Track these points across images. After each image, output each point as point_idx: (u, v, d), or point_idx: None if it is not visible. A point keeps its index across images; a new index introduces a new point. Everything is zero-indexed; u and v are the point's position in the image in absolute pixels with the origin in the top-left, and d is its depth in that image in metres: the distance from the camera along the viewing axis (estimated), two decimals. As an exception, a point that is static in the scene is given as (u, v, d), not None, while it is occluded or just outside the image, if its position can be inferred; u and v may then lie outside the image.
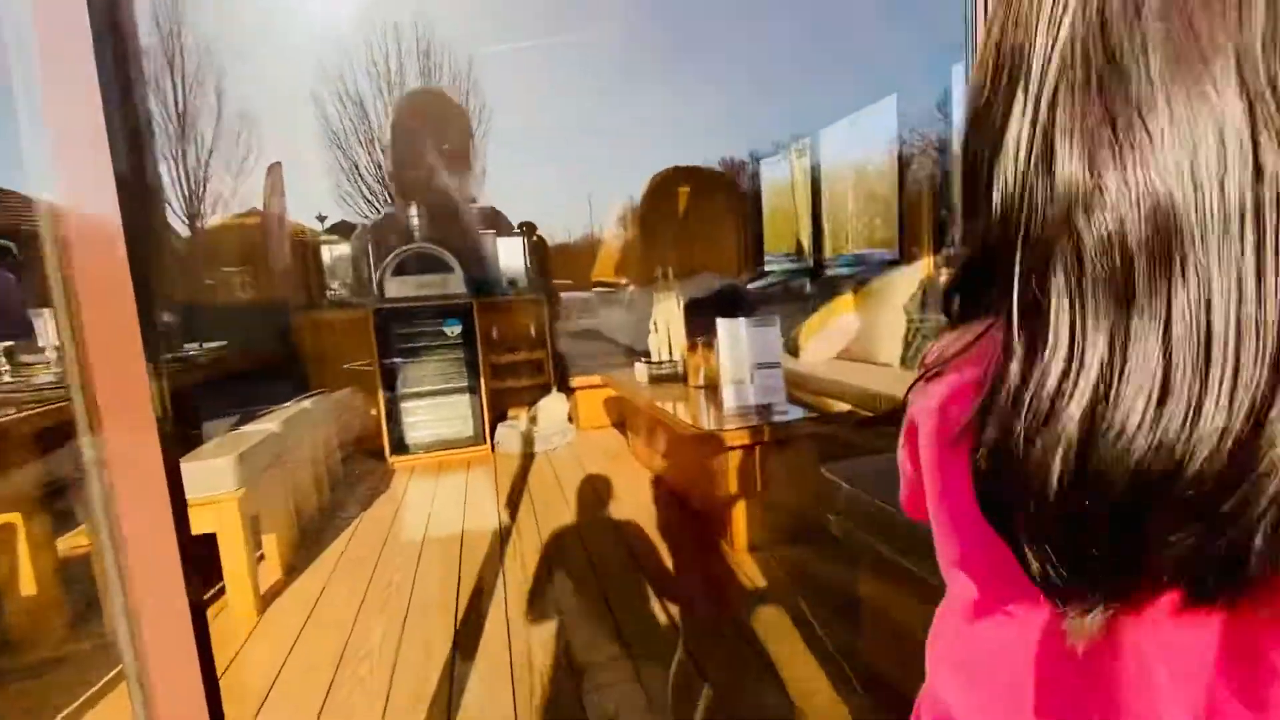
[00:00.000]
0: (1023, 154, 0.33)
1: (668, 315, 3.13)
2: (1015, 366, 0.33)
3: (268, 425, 2.43)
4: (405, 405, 3.82)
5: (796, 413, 2.26)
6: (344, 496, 3.24)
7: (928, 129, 3.03)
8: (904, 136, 3.17)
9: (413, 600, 2.12)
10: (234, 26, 7.66)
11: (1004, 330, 0.34)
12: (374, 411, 3.80)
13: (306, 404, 3.02)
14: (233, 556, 2.02)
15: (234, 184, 8.04)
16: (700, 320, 4.06)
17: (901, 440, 0.51)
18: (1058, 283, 0.31)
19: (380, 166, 8.24)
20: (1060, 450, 0.30)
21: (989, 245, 0.35)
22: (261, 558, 2.36)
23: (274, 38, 7.29)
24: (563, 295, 4.83)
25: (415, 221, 3.88)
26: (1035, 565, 0.32)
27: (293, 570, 2.38)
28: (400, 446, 3.78)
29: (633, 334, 4.58)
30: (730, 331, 2.25)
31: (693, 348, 2.85)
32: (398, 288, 3.85)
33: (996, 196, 0.34)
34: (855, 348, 3.34)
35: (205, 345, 3.27)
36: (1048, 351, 0.31)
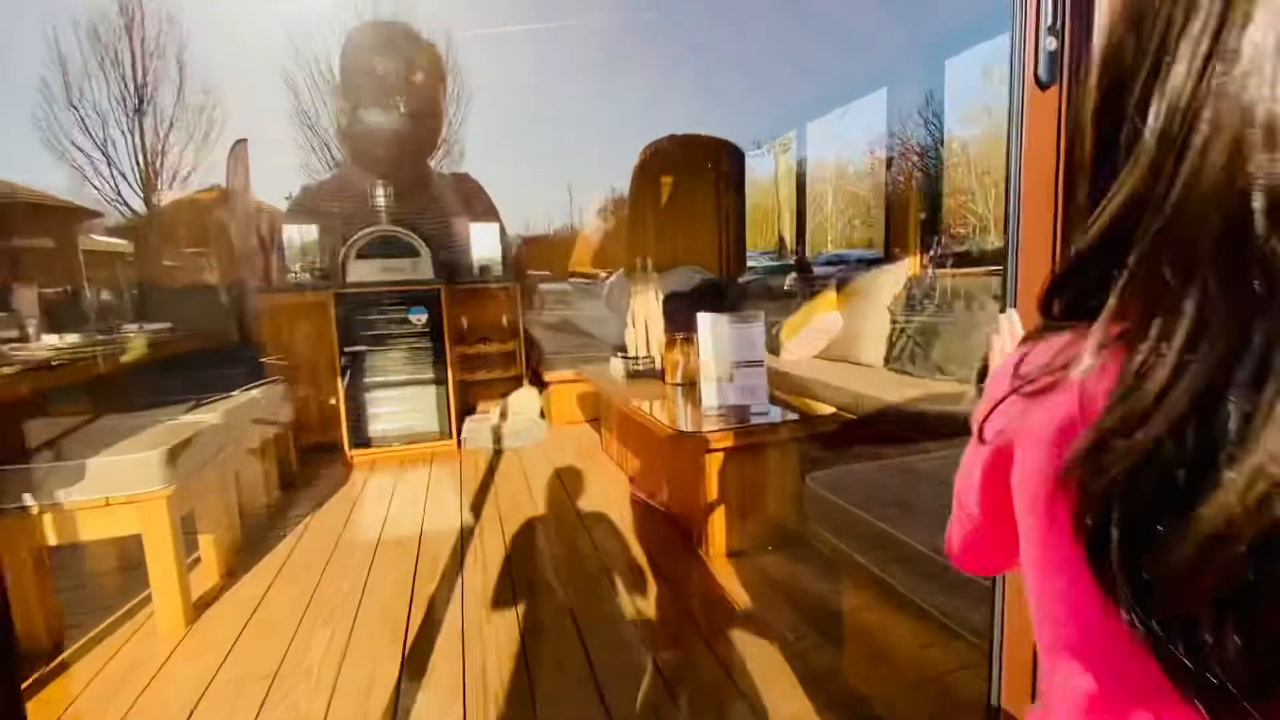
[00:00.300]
0: (1189, 85, 0.25)
1: (646, 309, 2.99)
2: (1177, 383, 0.24)
3: (207, 416, 2.23)
4: (366, 396, 3.62)
5: (778, 413, 2.14)
6: (296, 493, 3.04)
7: (918, 123, 2.93)
8: (893, 131, 3.07)
9: (361, 610, 1.95)
10: (197, -6, 7.28)
11: (1138, 331, 0.26)
12: (333, 401, 3.60)
13: (256, 393, 2.81)
14: (159, 561, 1.83)
15: (194, 159, 7.67)
16: (679, 315, 3.93)
17: (977, 471, 0.39)
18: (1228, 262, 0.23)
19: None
20: (1244, 502, 0.22)
21: (1121, 221, 0.28)
22: (197, 561, 2.17)
23: (242, 8, 6.95)
24: (540, 285, 4.66)
25: (381, 200, 3.66)
26: (1196, 654, 0.24)
27: (232, 575, 2.19)
28: (360, 439, 3.58)
29: (609, 327, 4.43)
30: (712, 328, 2.12)
31: (671, 344, 2.71)
32: (361, 271, 3.64)
33: (1148, 144, 0.26)
34: (838, 347, 3.24)
35: (147, 327, 3.03)
36: (1223, 362, 0.23)
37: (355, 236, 3.64)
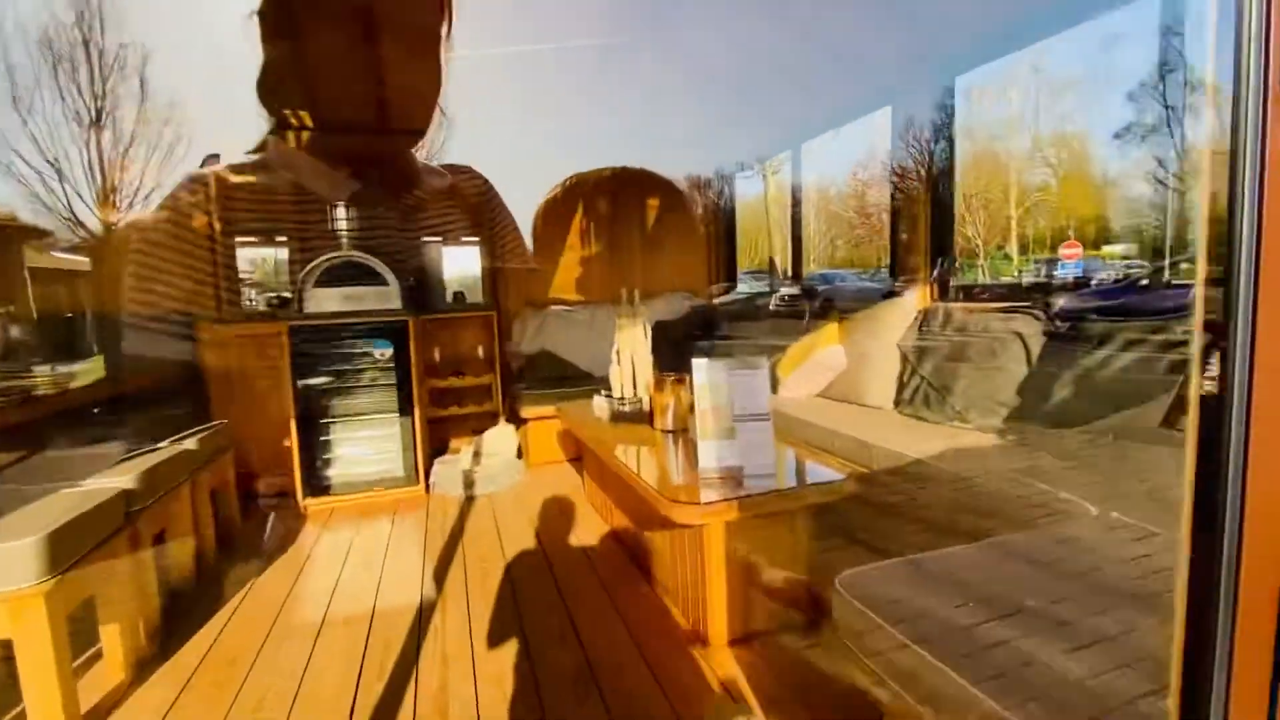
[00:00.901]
0: None
1: (632, 344, 2.70)
2: None
3: (113, 481, 1.89)
4: (324, 438, 3.28)
5: (787, 477, 1.85)
6: (237, 555, 2.69)
7: (921, 142, 2.71)
8: (899, 151, 2.84)
9: (294, 715, 1.61)
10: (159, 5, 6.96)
11: None
12: (287, 444, 3.25)
13: (191, 442, 2.47)
14: (35, 671, 1.48)
15: (159, 175, 7.30)
16: (667, 346, 3.64)
17: None
18: None
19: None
20: None
21: None
22: (98, 656, 1.81)
23: (206, 18, 6.64)
24: (524, 312, 4.35)
25: (342, 222, 3.36)
26: None
27: (141, 671, 1.84)
28: (316, 487, 3.23)
29: (591, 358, 4.14)
30: (709, 377, 1.84)
31: (660, 385, 2.42)
32: (320, 300, 3.32)
33: None
34: (841, 385, 2.98)
35: (62, 369, 2.67)
36: None
37: (314, 263, 3.33)
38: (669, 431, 2.38)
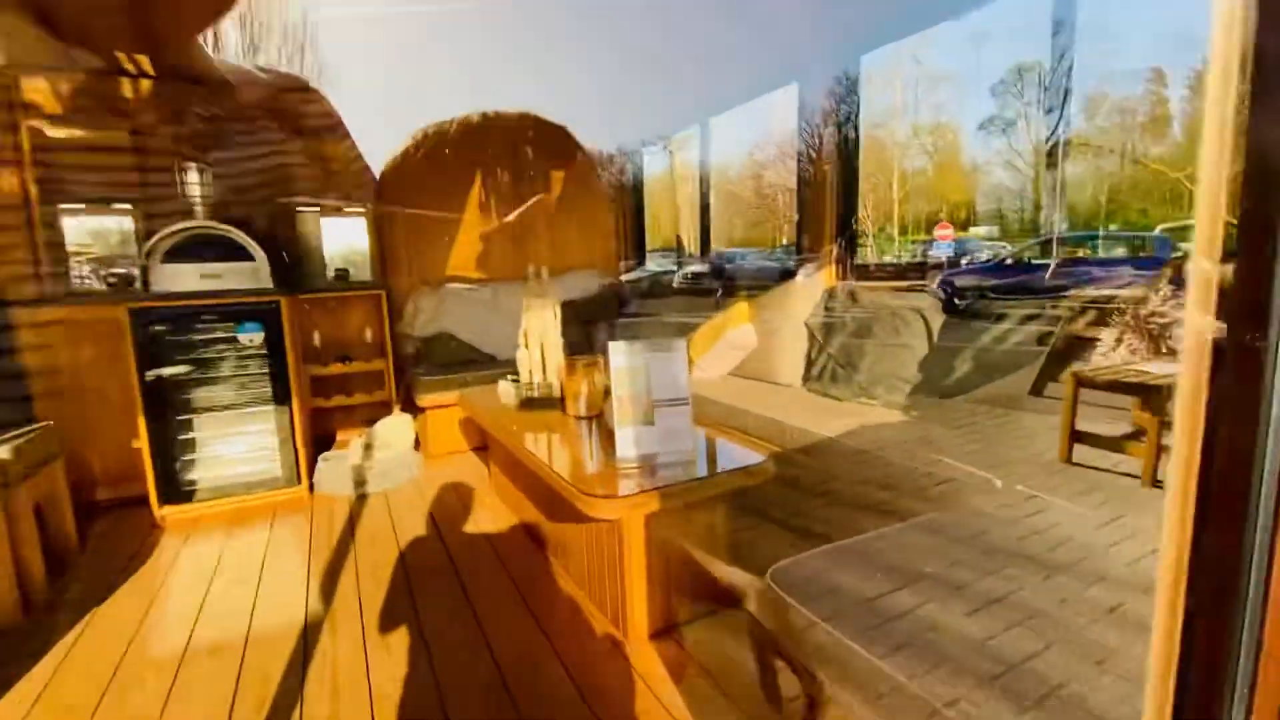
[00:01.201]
0: None
1: (541, 326, 2.53)
2: None
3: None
4: (183, 437, 2.86)
5: (708, 460, 1.78)
6: (73, 580, 2.28)
7: (828, 120, 2.71)
8: (806, 128, 2.84)
9: (141, 783, 1.36)
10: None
11: None
12: (136, 444, 2.80)
13: (2, 452, 2.04)
14: None
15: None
16: (577, 329, 3.49)
17: None
18: None
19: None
20: None
21: None
22: None
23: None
24: (418, 291, 4.01)
25: (195, 186, 2.89)
26: None
27: (-65, 739, 1.49)
28: (174, 493, 2.82)
29: (495, 340, 3.91)
30: (627, 360, 1.72)
31: (572, 369, 2.28)
32: (170, 278, 2.86)
33: None
34: (752, 364, 2.97)
35: None
36: None
37: (161, 235, 2.86)
38: (583, 418, 2.26)
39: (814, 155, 2.91)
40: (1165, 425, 2.67)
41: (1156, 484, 2.59)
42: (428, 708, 1.54)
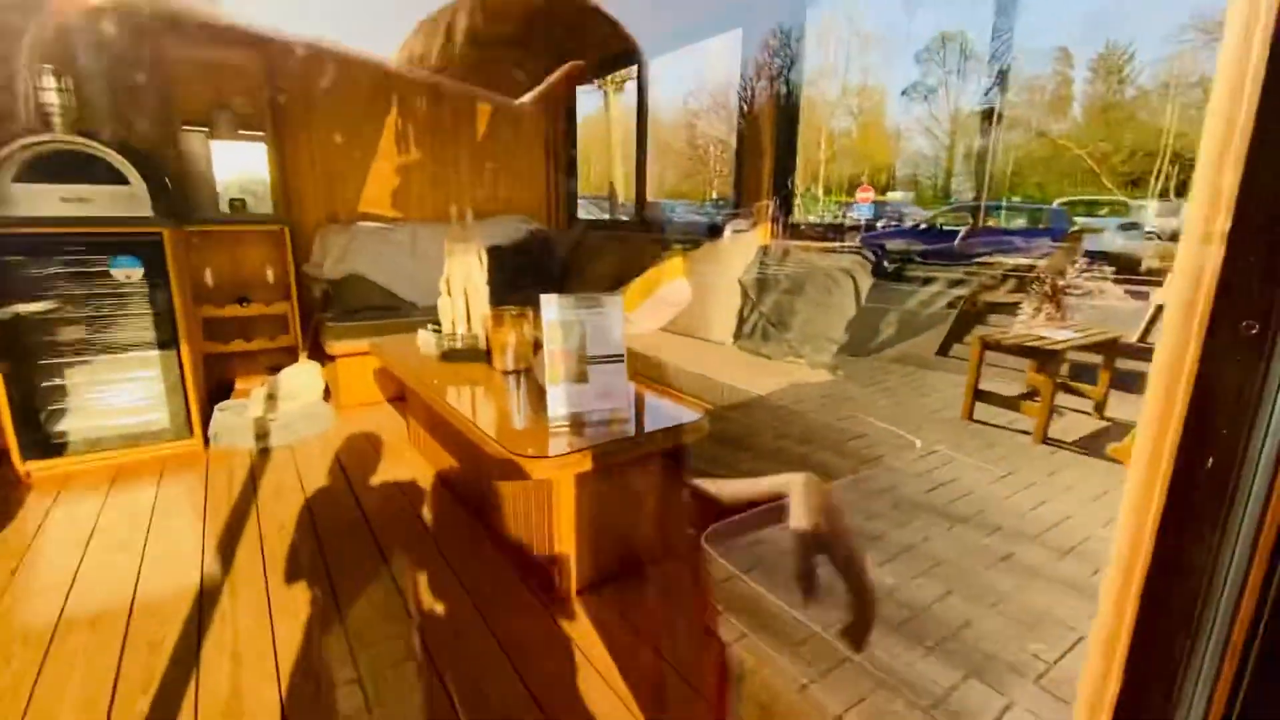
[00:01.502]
0: None
1: (465, 273, 2.37)
2: None
3: None
4: (49, 384, 2.53)
5: (647, 421, 1.75)
6: (-89, 544, 2.00)
7: (767, 70, 2.64)
8: (746, 76, 2.75)
9: (6, 772, 1.22)
10: None
11: None
12: (-11, 392, 2.45)
13: None
14: None
15: None
16: (501, 278, 3.34)
17: None
18: None
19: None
20: None
21: None
22: None
23: None
24: (326, 228, 3.67)
25: (52, 94, 2.46)
26: None
27: None
28: (41, 445, 2.50)
29: (413, 285, 3.67)
30: (559, 314, 1.64)
31: (499, 320, 2.17)
32: (23, 202, 2.46)
33: None
34: (685, 320, 2.95)
35: None
36: None
37: (9, 148, 2.43)
38: (510, 372, 2.16)
39: (751, 108, 2.84)
40: (1059, 387, 2.89)
41: (1047, 441, 2.81)
42: (342, 675, 1.47)
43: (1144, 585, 0.47)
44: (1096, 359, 3.69)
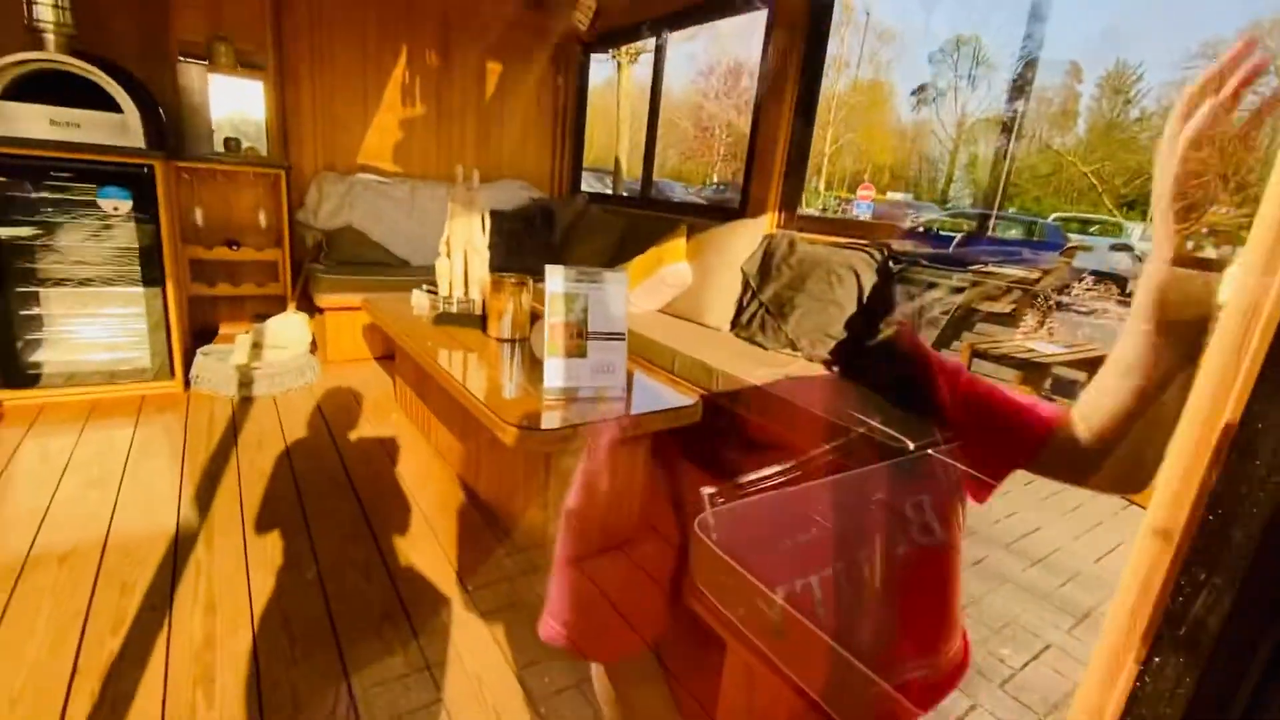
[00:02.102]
0: None
1: (467, 235, 2.33)
2: None
3: None
4: (26, 313, 2.46)
5: (641, 401, 1.74)
6: (-124, 465, 1.94)
7: (790, 53, 2.59)
8: (768, 58, 2.70)
9: (-31, 703, 1.20)
10: None
11: None
12: (-37, 316, 2.37)
13: None
14: None
15: None
16: (500, 243, 3.29)
17: None
18: None
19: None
20: None
21: None
22: None
23: None
24: (323, 176, 3.57)
25: (47, 10, 2.33)
26: None
27: None
28: (15, 375, 2.44)
29: (410, 242, 3.61)
30: (563, 287, 1.61)
31: (498, 287, 2.13)
32: (10, 120, 2.36)
33: None
34: (683, 303, 2.93)
35: None
36: None
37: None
38: (506, 340, 2.13)
39: (770, 91, 2.80)
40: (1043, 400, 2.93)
41: (1026, 453, 2.86)
42: (317, 628, 1.46)
43: (1160, 618, 0.47)
44: (1080, 375, 3.75)
